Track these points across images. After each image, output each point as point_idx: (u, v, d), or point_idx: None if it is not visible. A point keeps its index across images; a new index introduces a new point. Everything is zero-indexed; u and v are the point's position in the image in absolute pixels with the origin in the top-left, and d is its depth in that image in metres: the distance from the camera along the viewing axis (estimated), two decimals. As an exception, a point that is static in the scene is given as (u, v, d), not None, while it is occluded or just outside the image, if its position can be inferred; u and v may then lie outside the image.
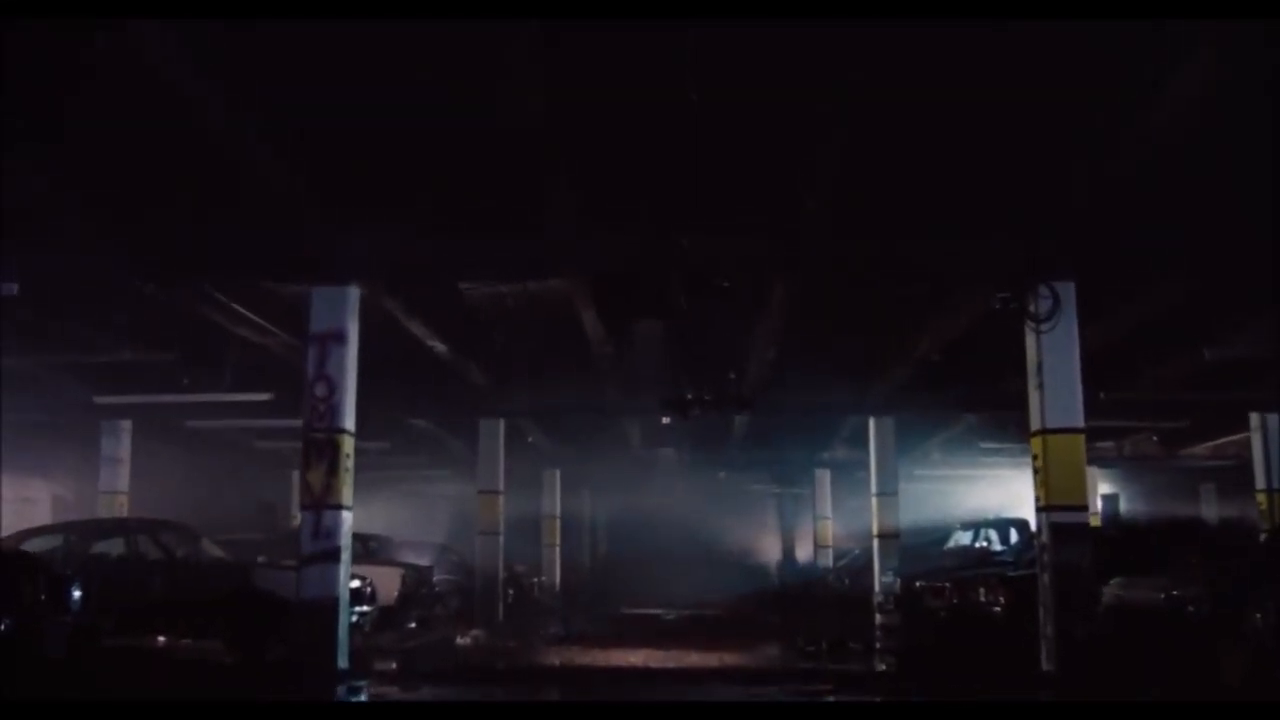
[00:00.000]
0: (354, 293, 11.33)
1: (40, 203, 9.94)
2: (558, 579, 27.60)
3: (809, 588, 25.20)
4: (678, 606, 23.88)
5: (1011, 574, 13.25)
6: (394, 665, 12.44)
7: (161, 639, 12.51)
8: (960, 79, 7.86)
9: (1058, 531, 10.76)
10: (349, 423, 11.13)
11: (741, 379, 14.84)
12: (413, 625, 17.08)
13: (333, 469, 10.95)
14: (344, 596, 10.99)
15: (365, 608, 13.35)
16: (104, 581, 10.62)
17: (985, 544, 20.87)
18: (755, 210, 10.38)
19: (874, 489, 20.25)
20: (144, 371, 15.37)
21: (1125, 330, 13.49)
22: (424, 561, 19.47)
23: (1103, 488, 28.02)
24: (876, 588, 19.24)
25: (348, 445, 11.07)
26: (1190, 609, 9.11)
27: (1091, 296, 11.40)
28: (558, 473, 27.53)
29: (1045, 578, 10.80)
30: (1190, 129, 8.34)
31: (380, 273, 11.50)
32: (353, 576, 11.76)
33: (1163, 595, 9.53)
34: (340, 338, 11.16)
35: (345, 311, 11.22)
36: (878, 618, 18.13)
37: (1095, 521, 19.20)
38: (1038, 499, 11.09)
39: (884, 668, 13.47)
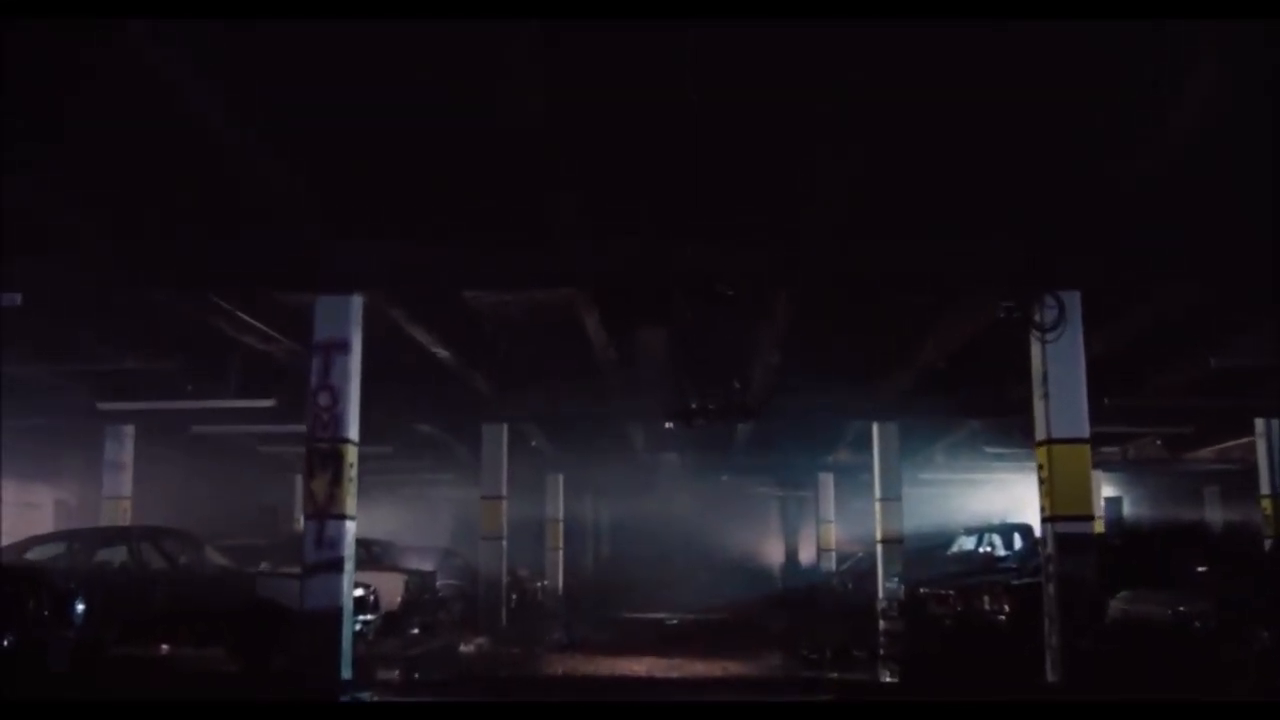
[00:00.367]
0: (357, 302, 11.29)
1: (44, 213, 9.94)
2: (561, 583, 27.57)
3: (812, 592, 25.17)
4: (681, 610, 23.86)
5: (1016, 582, 13.22)
6: (397, 675, 12.42)
7: (165, 648, 12.48)
8: (964, 86, 7.83)
9: (1063, 542, 10.71)
10: (353, 432, 11.09)
11: (746, 387, 14.81)
12: (416, 631, 17.07)
13: (336, 479, 10.91)
14: (348, 607, 10.96)
15: (369, 616, 13.34)
16: (107, 593, 10.57)
17: (989, 549, 20.83)
18: (758, 219, 10.36)
19: (878, 494, 20.22)
20: (148, 378, 15.36)
21: (1130, 337, 13.45)
22: (427, 566, 19.42)
23: (1106, 490, 27.96)
24: (880, 593, 19.18)
25: (351, 455, 11.03)
26: (1197, 624, 9.08)
27: (1096, 304, 11.35)
28: (561, 477, 27.52)
29: (1050, 588, 10.75)
30: (1197, 136, 8.32)
31: (384, 282, 11.47)
32: (356, 584, 11.73)
33: (1169, 611, 9.49)
34: (344, 347, 11.12)
35: (349, 321, 11.18)
36: (881, 624, 18.09)
37: (1099, 526, 19.16)
38: (1043, 509, 11.05)
39: (890, 678, 13.40)
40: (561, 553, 28.05)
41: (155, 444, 19.13)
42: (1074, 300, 11.02)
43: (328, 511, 10.88)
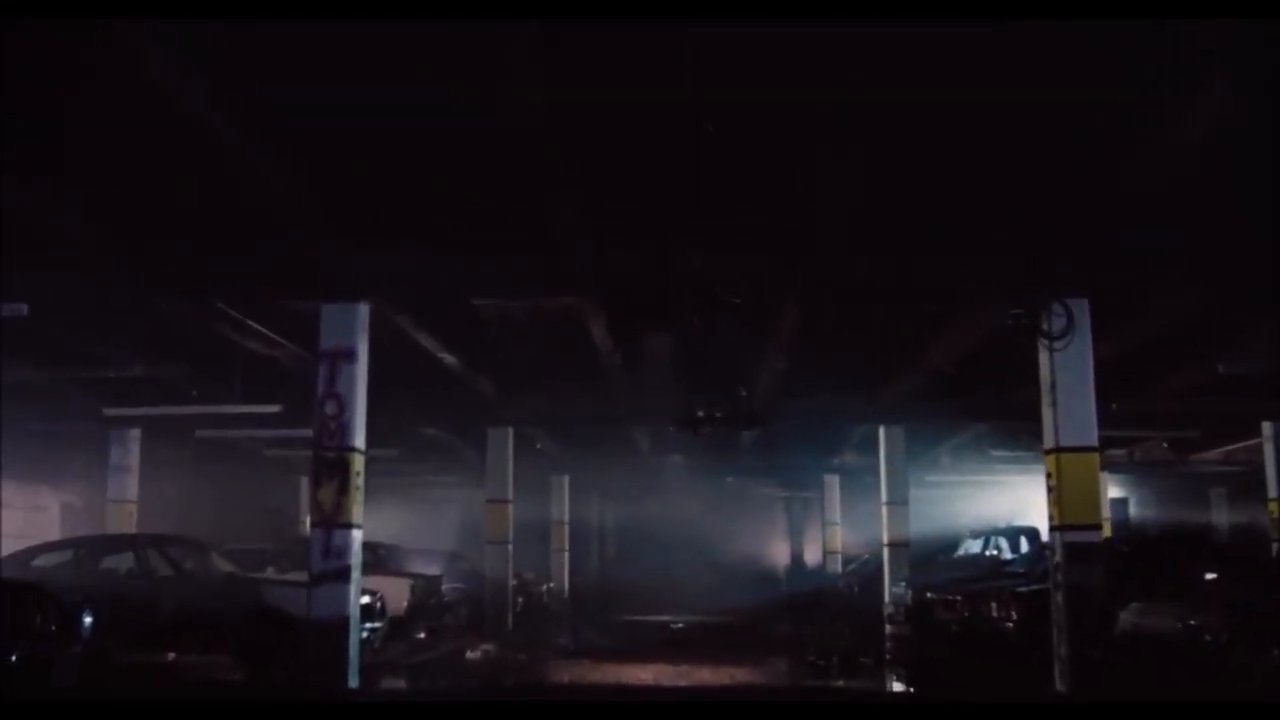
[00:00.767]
0: (363, 310, 11.28)
1: (49, 222, 9.93)
2: (566, 585, 27.54)
3: (818, 596, 25.13)
4: (686, 613, 23.83)
5: (1023, 589, 13.19)
6: (404, 685, 12.40)
7: (171, 656, 12.48)
8: (971, 93, 7.76)
9: (1071, 551, 10.69)
10: (359, 440, 11.09)
11: (752, 393, 14.78)
12: (422, 636, 17.09)
13: (343, 488, 10.90)
14: (354, 616, 10.94)
15: (375, 624, 13.31)
16: (114, 603, 10.52)
17: (996, 552, 20.78)
18: (764, 226, 10.31)
19: (884, 497, 20.17)
20: (153, 384, 15.35)
21: (1137, 342, 13.39)
22: (433, 570, 19.45)
23: (1113, 491, 27.91)
24: (887, 598, 19.14)
25: (358, 463, 11.03)
26: (1208, 639, 9.04)
27: (1103, 309, 11.32)
28: (566, 479, 27.47)
29: (1059, 597, 10.73)
30: (1205, 144, 8.26)
31: (390, 290, 11.46)
32: (362, 591, 11.71)
33: (1180, 625, 9.44)
34: (350, 355, 11.11)
35: (355, 329, 11.17)
36: (888, 628, 18.05)
37: (1106, 528, 19.12)
38: (1051, 517, 11.02)
39: (898, 684, 13.38)
40: (567, 554, 27.99)
41: (161, 447, 19.12)
42: (1082, 308, 11.00)
43: (334, 520, 10.87)
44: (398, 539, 23.29)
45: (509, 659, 14.40)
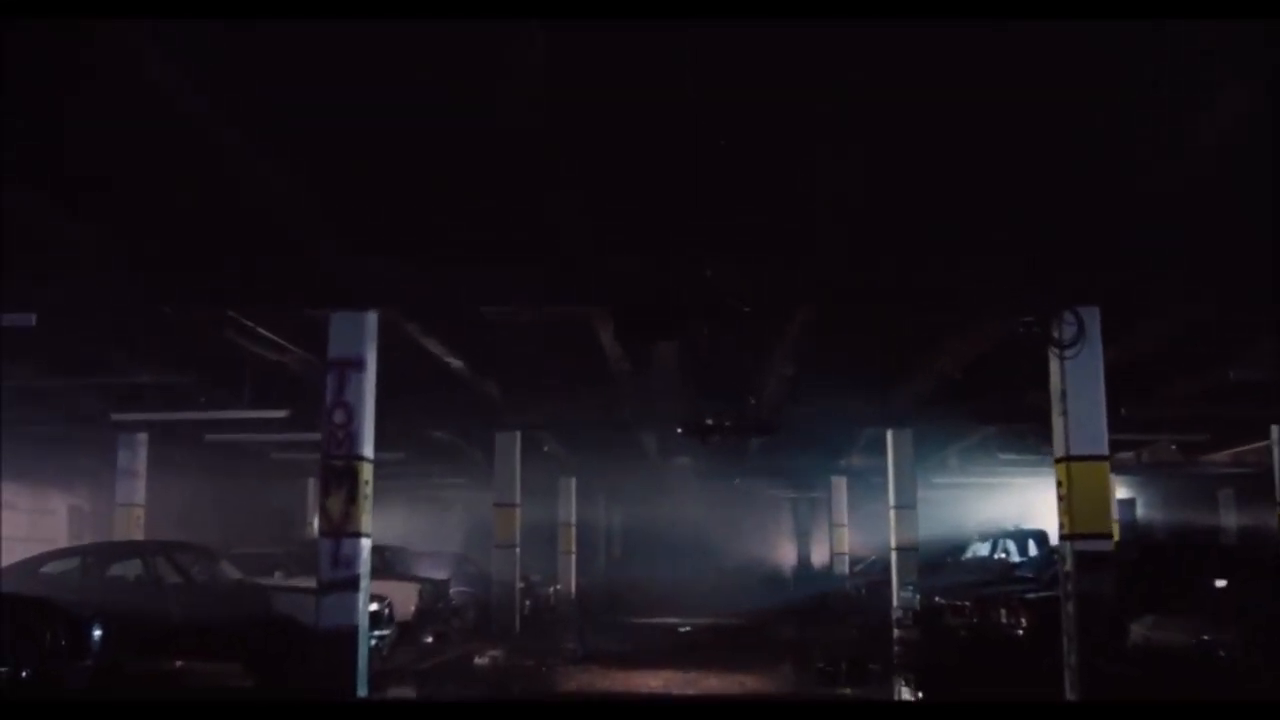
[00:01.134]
0: (372, 318, 11.26)
1: (55, 231, 9.92)
2: (573, 586, 27.52)
3: (825, 598, 25.09)
4: (693, 615, 23.82)
5: (1032, 596, 13.16)
6: (413, 694, 12.39)
7: (179, 663, 12.47)
8: (981, 99, 7.72)
9: (1082, 560, 10.64)
10: (368, 449, 11.07)
11: (760, 401, 14.74)
12: (429, 640, 17.08)
13: (351, 497, 10.89)
14: (363, 625, 10.94)
15: (384, 631, 13.28)
16: (123, 614, 10.54)
17: (1004, 555, 20.77)
18: (773, 236, 10.29)
19: (892, 501, 20.11)
20: (161, 390, 15.35)
21: (1147, 348, 13.34)
22: (441, 574, 19.48)
23: (1120, 492, 27.84)
24: (895, 602, 19.10)
25: (366, 472, 11.01)
26: (1222, 654, 9.00)
27: (1114, 317, 11.27)
28: (573, 481, 27.47)
29: (1069, 606, 10.68)
30: (1219, 153, 8.23)
31: (399, 299, 11.44)
32: (370, 598, 11.69)
33: (1193, 640, 9.40)
34: (359, 364, 11.10)
35: (364, 338, 11.15)
36: (896, 633, 18.02)
37: (1114, 531, 19.07)
38: (1061, 526, 10.98)
39: (907, 693, 13.34)
40: (574, 556, 27.98)
41: (168, 450, 19.13)
42: (1093, 317, 10.95)
43: (343, 530, 10.86)
44: (404, 540, 23.35)
45: (517, 665, 14.37)
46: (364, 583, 10.92)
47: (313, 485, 25.92)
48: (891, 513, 20.10)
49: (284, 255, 10.69)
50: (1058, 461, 11.03)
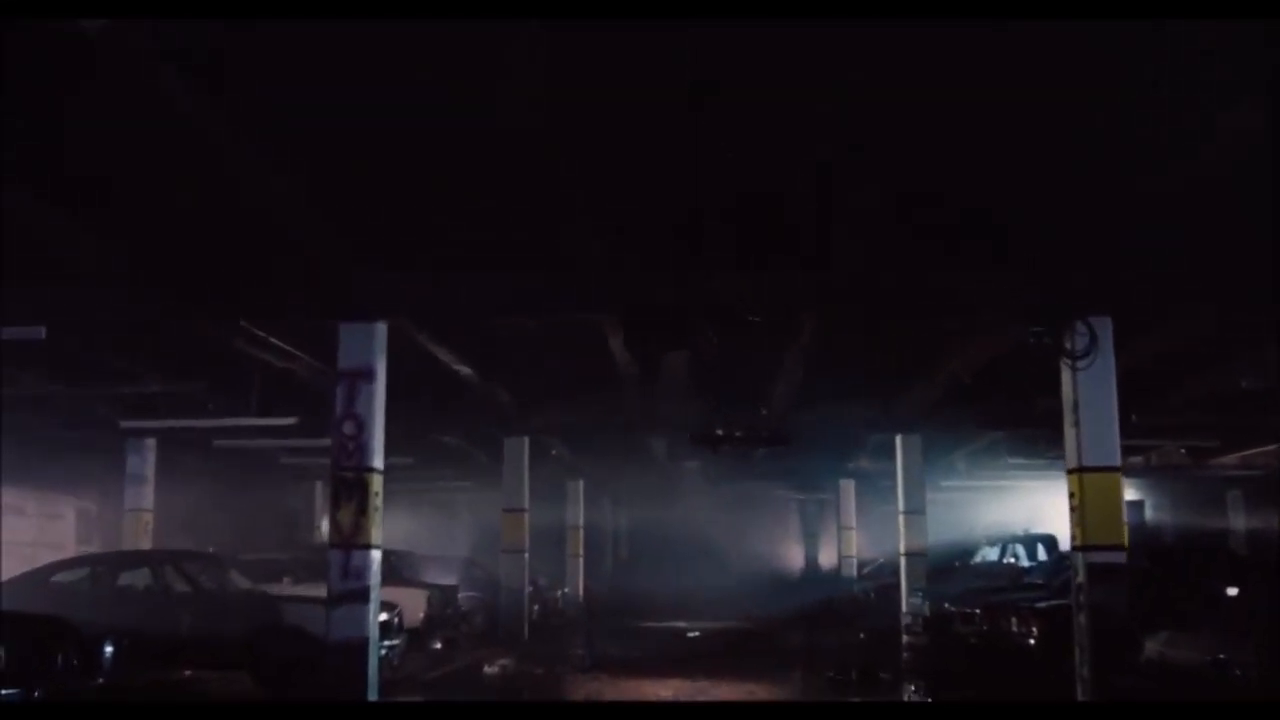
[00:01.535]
0: (382, 329, 11.22)
1: (64, 243, 9.91)
2: (581, 589, 27.50)
3: (833, 603, 25.04)
4: (700, 618, 23.79)
5: (1043, 605, 13.10)
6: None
7: (188, 673, 12.46)
8: (996, 110, 7.70)
9: (1095, 571, 10.59)
10: (378, 461, 11.04)
11: (770, 410, 14.72)
12: (438, 646, 17.07)
13: (362, 509, 10.85)
14: (374, 636, 10.90)
15: (394, 641, 13.25)
16: (133, 627, 10.50)
17: (1013, 560, 20.71)
18: (785, 246, 10.25)
19: (901, 506, 20.00)
20: (170, 397, 15.34)
21: (1159, 356, 13.31)
22: (449, 579, 19.48)
23: (1128, 494, 27.71)
24: (904, 607, 19.04)
25: (376, 484, 10.98)
26: (1238, 673, 8.95)
27: (1125, 325, 11.22)
28: (580, 484, 27.43)
29: (1082, 618, 10.64)
30: (1236, 165, 8.20)
31: (408, 310, 11.44)
32: (380, 606, 11.65)
33: (1209, 659, 9.35)
34: (369, 375, 11.05)
35: (373, 349, 11.11)
36: (905, 638, 17.97)
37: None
38: (1073, 537, 10.92)
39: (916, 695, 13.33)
40: (582, 559, 27.92)
41: (177, 455, 19.12)
42: (1105, 327, 10.88)
43: (353, 541, 10.83)
44: (412, 544, 23.34)
45: (526, 674, 14.34)
46: (374, 594, 10.89)
47: (320, 488, 25.97)
48: (900, 518, 20.00)
49: (294, 267, 10.70)
50: (1070, 472, 10.98)
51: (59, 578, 12.92)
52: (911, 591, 18.94)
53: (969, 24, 6.50)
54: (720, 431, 13.50)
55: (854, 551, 28.89)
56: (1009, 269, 10.68)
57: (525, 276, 10.97)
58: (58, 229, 9.68)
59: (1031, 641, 12.71)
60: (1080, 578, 10.72)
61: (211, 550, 17.68)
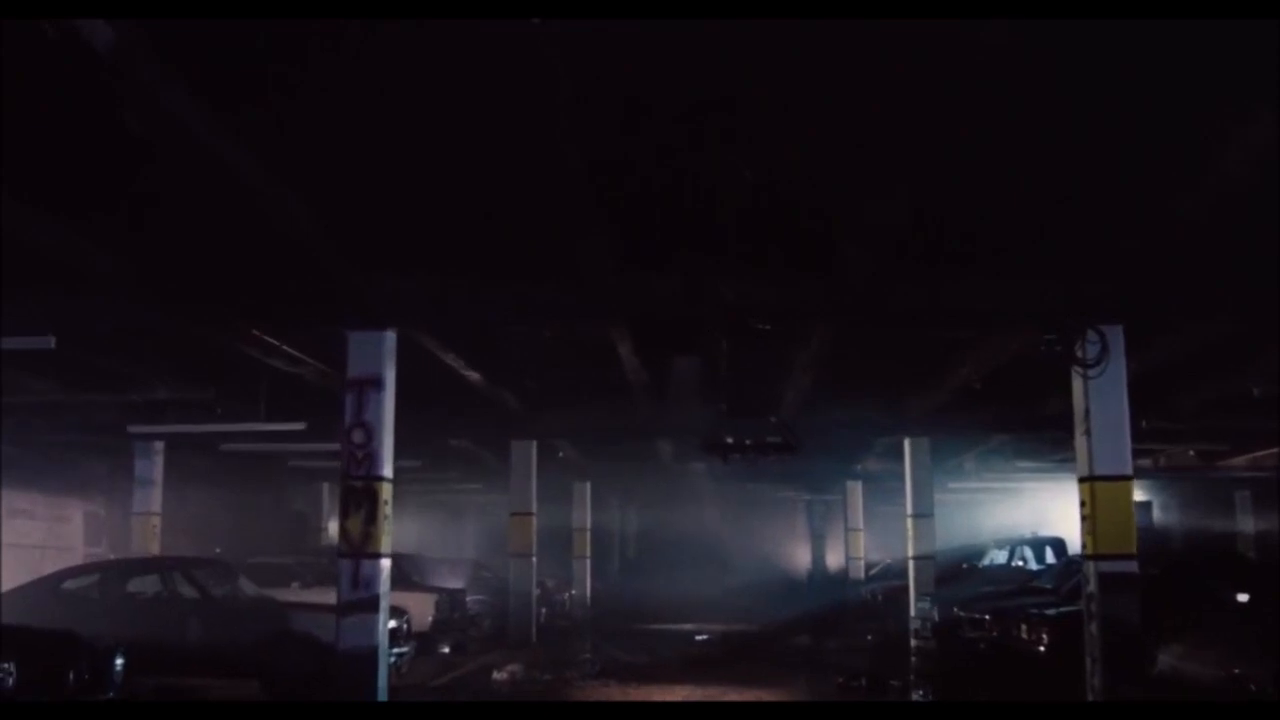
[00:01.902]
0: (391, 337, 11.18)
1: (71, 251, 9.88)
2: (588, 591, 27.48)
3: (841, 605, 25.01)
4: (707, 620, 23.75)
5: (1052, 612, 13.09)
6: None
7: (196, 681, 12.44)
8: (1007, 120, 7.63)
9: (1106, 581, 10.55)
10: (387, 469, 10.99)
11: (780, 418, 14.65)
12: (446, 650, 17.06)
13: (371, 517, 10.80)
14: (383, 645, 10.86)
15: (403, 649, 13.23)
16: (140, 634, 10.51)
17: (1021, 563, 20.71)
18: (795, 254, 10.21)
19: (909, 510, 19.99)
20: (178, 403, 15.34)
21: (1167, 361, 13.26)
22: (457, 583, 19.48)
23: (1136, 495, 27.64)
24: (913, 611, 19.01)
25: (386, 493, 10.94)
26: (1253, 688, 8.91)
27: (1136, 332, 11.18)
28: (588, 485, 27.41)
29: (1093, 628, 10.59)
30: (1251, 168, 8.12)
31: (417, 318, 11.39)
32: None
33: (1224, 674, 9.31)
34: (378, 383, 11.01)
35: (383, 357, 11.06)
36: (913, 643, 17.94)
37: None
38: (1085, 546, 10.90)
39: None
40: (589, 561, 27.91)
41: (185, 458, 19.13)
42: (1117, 335, 10.84)
43: (363, 551, 10.78)
44: (420, 546, 23.35)
45: (535, 681, 14.31)
46: (384, 603, 10.85)
47: (328, 489, 25.96)
48: (909, 521, 19.98)
49: (303, 275, 10.63)
50: (1081, 481, 10.94)
51: (69, 585, 12.93)
52: (920, 596, 18.90)
53: (984, 28, 6.43)
54: (730, 439, 13.42)
55: (861, 553, 28.84)
56: (1021, 278, 10.63)
57: (535, 285, 10.93)
58: (67, 240, 9.65)
59: (1041, 649, 12.69)
60: (1091, 587, 10.68)
61: (218, 552, 17.70)
